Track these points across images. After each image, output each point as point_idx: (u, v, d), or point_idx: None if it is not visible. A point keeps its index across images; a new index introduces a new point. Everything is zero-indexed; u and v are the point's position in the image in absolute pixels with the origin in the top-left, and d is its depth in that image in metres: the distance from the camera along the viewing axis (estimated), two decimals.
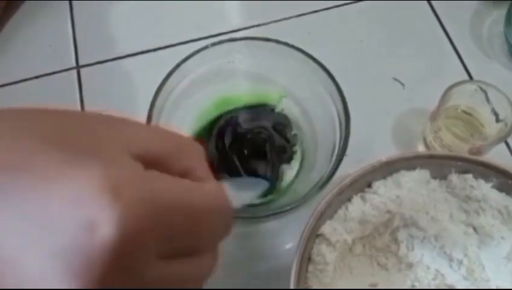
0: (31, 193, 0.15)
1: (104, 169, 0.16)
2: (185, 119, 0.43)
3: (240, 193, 0.28)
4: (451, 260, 0.35)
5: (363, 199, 0.36)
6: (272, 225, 0.43)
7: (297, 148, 0.45)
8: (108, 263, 0.15)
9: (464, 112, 0.46)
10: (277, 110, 0.46)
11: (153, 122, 0.38)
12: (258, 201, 0.41)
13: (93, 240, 0.15)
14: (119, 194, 0.15)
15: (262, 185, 0.35)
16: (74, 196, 0.15)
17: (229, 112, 0.46)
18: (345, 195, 0.36)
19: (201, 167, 0.20)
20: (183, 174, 0.19)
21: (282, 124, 0.45)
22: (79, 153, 0.16)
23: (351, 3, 0.56)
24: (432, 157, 0.37)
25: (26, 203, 0.15)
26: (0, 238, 0.15)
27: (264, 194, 0.42)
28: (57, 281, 0.15)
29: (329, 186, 0.36)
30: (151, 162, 0.18)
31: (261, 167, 0.43)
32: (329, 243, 0.34)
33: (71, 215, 0.15)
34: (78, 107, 0.50)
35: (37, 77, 0.52)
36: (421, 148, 0.47)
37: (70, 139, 0.17)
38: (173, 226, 0.17)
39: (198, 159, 0.20)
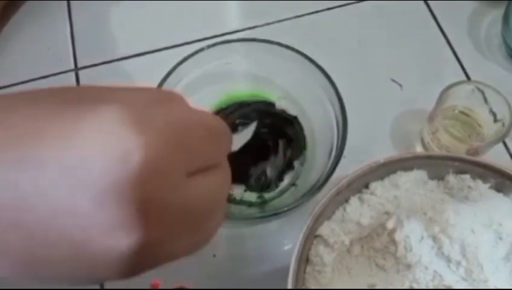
0: (59, 151, 0.16)
1: (121, 105, 0.17)
2: None
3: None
4: (449, 260, 0.35)
5: (360, 199, 0.36)
6: (269, 226, 0.43)
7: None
8: (144, 185, 0.16)
9: (462, 112, 0.46)
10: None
11: None
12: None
13: (128, 167, 0.16)
14: (143, 122, 0.17)
15: (253, 124, 0.35)
16: (101, 133, 0.16)
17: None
18: (342, 196, 0.36)
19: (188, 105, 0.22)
20: None
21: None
22: (92, 100, 0.17)
23: (348, 4, 0.56)
24: (429, 158, 0.37)
25: (58, 163, 0.16)
26: (43, 195, 0.16)
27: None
28: (105, 213, 0.16)
29: (327, 187, 0.36)
30: None
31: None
32: (327, 244, 0.34)
33: (102, 151, 0.16)
34: None
35: (35, 79, 0.52)
36: (418, 149, 0.47)
37: (78, 98, 0.18)
38: (193, 144, 0.19)
39: (183, 101, 0.22)
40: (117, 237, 0.16)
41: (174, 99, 0.20)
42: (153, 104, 0.18)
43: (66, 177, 0.16)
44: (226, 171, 0.21)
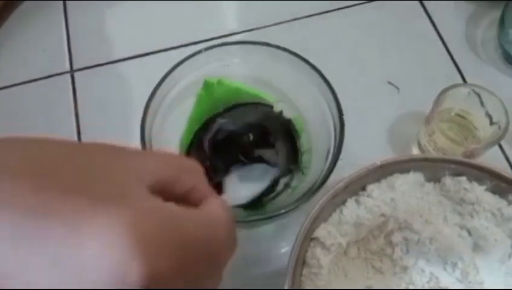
0: (60, 240, 0.16)
1: (129, 214, 0.16)
2: (178, 123, 0.43)
3: (249, 184, 0.29)
4: (445, 263, 0.35)
5: (357, 202, 0.36)
6: (266, 228, 0.43)
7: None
8: None
9: (458, 115, 0.46)
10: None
11: (147, 125, 0.38)
12: (266, 190, 0.40)
13: (125, 287, 0.16)
14: (148, 244, 0.16)
15: (272, 172, 0.34)
16: (104, 246, 0.16)
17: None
18: (339, 198, 0.36)
19: (202, 184, 0.22)
20: (187, 192, 0.21)
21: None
22: (101, 197, 0.17)
23: (346, 7, 0.56)
24: (425, 160, 0.37)
25: (56, 250, 0.16)
26: (30, 284, 0.16)
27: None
28: None
29: (323, 190, 0.36)
30: (160, 188, 0.19)
31: (267, 154, 0.42)
32: (323, 246, 0.34)
33: (102, 264, 0.16)
34: (72, 111, 0.50)
35: (31, 81, 0.52)
36: (415, 152, 0.47)
37: (88, 180, 0.18)
38: (194, 269, 0.19)
39: (198, 177, 0.22)
40: None
41: (196, 172, 0.21)
42: (163, 206, 0.18)
43: (60, 269, 0.16)
44: (218, 278, 0.21)
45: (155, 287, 0.16)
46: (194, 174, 0.22)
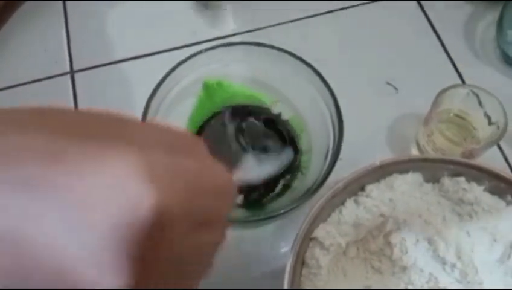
0: (69, 176, 0.16)
1: (138, 155, 0.17)
2: (179, 123, 0.43)
3: (265, 165, 0.30)
4: (444, 263, 0.36)
5: (356, 202, 0.36)
6: (266, 228, 0.43)
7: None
8: (144, 242, 0.16)
9: (457, 115, 0.46)
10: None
11: None
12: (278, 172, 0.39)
13: (135, 222, 0.16)
14: (160, 180, 0.17)
15: (287, 154, 0.35)
16: (119, 179, 0.16)
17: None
18: (338, 198, 0.36)
19: (203, 153, 0.22)
20: None
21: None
22: (107, 140, 0.17)
23: (344, 8, 0.56)
24: (424, 160, 0.37)
25: (67, 191, 0.16)
26: (38, 224, 0.15)
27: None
28: (105, 256, 0.16)
29: (323, 190, 0.36)
30: None
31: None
32: (322, 246, 0.34)
33: (115, 197, 0.16)
34: None
35: (31, 82, 0.52)
36: (414, 152, 0.47)
37: (92, 130, 0.18)
38: (202, 206, 0.19)
39: (198, 148, 0.22)
40: (101, 279, 0.16)
41: (195, 148, 0.21)
42: (174, 155, 0.18)
43: (70, 211, 0.16)
44: (223, 228, 0.22)
45: (164, 223, 0.17)
46: (192, 145, 0.22)
